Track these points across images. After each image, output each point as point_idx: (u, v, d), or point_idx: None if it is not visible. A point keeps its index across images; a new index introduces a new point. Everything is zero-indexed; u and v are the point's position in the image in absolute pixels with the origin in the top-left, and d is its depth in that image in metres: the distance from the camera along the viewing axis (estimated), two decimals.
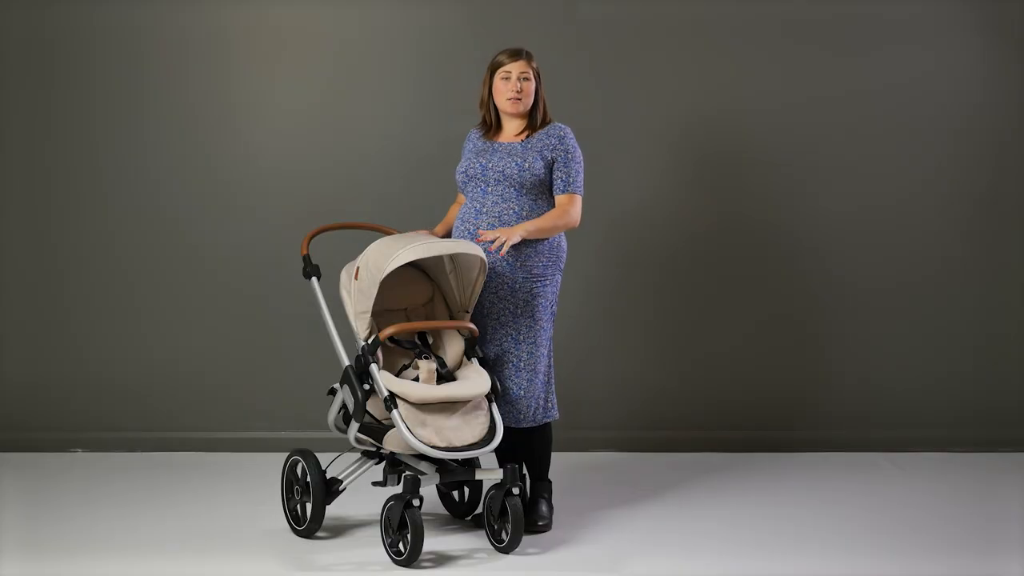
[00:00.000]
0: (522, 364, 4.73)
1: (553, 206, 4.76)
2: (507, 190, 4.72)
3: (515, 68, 4.75)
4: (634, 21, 5.95)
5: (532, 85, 4.77)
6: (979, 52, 5.98)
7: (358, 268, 4.60)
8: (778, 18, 5.96)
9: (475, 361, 4.69)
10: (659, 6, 5.95)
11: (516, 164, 4.72)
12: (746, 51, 5.97)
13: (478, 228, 4.72)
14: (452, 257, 4.71)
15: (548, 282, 4.75)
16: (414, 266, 4.82)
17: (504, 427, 4.66)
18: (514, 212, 4.71)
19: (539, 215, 4.72)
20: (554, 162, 4.73)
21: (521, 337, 4.73)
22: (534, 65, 4.78)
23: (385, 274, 4.49)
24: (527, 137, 4.78)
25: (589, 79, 5.96)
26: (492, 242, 4.58)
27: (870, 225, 6.03)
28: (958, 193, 6.03)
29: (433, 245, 4.54)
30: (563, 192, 4.74)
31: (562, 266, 4.82)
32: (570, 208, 4.72)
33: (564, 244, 4.81)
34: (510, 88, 4.75)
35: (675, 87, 5.98)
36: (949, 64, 5.98)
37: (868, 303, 6.05)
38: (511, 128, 4.82)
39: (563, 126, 4.79)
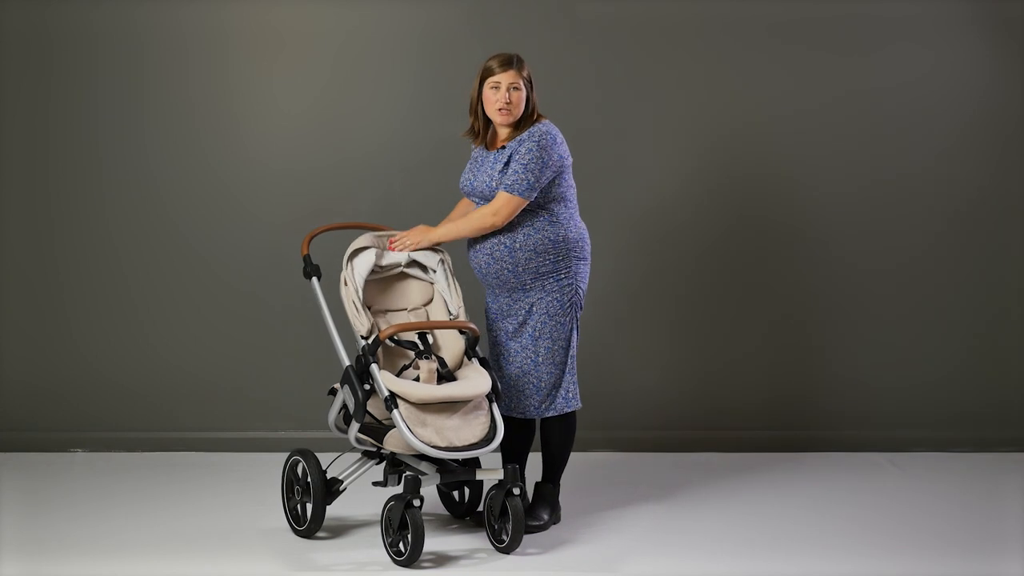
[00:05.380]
0: (540, 359, 4.73)
1: (546, 211, 4.69)
2: (488, 200, 4.72)
3: (505, 79, 4.65)
4: (649, 21, 5.92)
5: (522, 95, 4.67)
6: (982, 51, 5.97)
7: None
8: (798, 19, 5.94)
9: (475, 361, 4.69)
10: (663, 6, 5.94)
11: (486, 183, 4.69)
12: (749, 53, 5.97)
13: (473, 239, 4.78)
14: (441, 259, 4.85)
15: (562, 277, 4.72)
16: (415, 267, 4.85)
17: (530, 419, 4.78)
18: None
19: (530, 220, 4.66)
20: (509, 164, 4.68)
21: (538, 334, 4.73)
22: (525, 73, 4.68)
23: (348, 260, 4.69)
24: (503, 147, 4.70)
25: (595, 79, 5.95)
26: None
27: (871, 225, 6.03)
28: (958, 194, 6.03)
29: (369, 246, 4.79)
30: (500, 188, 4.65)
31: (584, 255, 4.75)
32: (496, 205, 4.63)
33: (576, 235, 4.72)
34: (499, 99, 4.66)
35: (688, 93, 5.96)
36: (956, 63, 5.98)
37: (868, 304, 6.05)
38: (503, 134, 4.76)
39: (537, 128, 4.67)
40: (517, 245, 4.68)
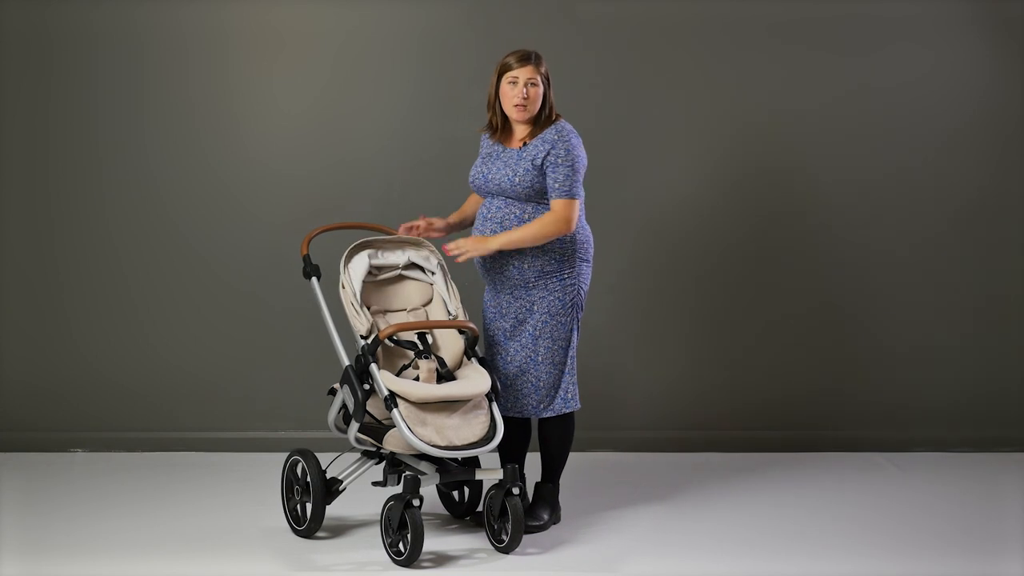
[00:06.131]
0: (539, 358, 4.73)
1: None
2: (508, 198, 4.71)
3: (522, 74, 4.66)
4: (649, 21, 5.91)
5: (540, 90, 4.67)
6: (982, 51, 5.97)
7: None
8: (798, 19, 5.94)
9: (475, 360, 4.69)
10: (663, 6, 5.93)
11: (508, 178, 4.69)
12: (748, 53, 5.97)
13: (481, 235, 4.74)
14: (440, 262, 4.87)
15: (565, 276, 4.73)
16: (413, 269, 4.87)
17: (525, 420, 4.78)
18: (515, 216, 4.70)
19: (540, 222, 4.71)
20: (545, 166, 4.67)
21: (538, 333, 4.73)
22: (543, 70, 4.68)
23: (344, 264, 4.69)
24: (525, 144, 4.72)
25: (596, 79, 5.94)
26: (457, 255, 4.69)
27: (870, 226, 6.02)
28: (959, 194, 6.03)
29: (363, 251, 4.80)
30: (556, 197, 4.66)
31: (587, 257, 4.78)
32: (562, 213, 4.65)
33: (582, 236, 4.75)
34: (516, 94, 4.67)
35: (688, 93, 5.96)
36: (956, 63, 5.98)
37: (867, 303, 6.05)
38: (519, 131, 4.76)
39: (562, 126, 4.71)
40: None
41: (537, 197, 4.69)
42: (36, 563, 4.44)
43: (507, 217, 4.70)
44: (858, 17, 5.95)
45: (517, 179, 4.67)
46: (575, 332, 4.79)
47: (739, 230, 6.02)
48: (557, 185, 4.65)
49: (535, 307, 4.73)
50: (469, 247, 4.67)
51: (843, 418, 6.06)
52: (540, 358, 4.74)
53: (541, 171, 4.67)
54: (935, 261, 6.04)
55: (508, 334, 4.77)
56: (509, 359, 4.76)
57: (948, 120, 6.00)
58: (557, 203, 4.66)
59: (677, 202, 6.01)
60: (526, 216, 4.69)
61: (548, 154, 4.66)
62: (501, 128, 4.78)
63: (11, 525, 4.87)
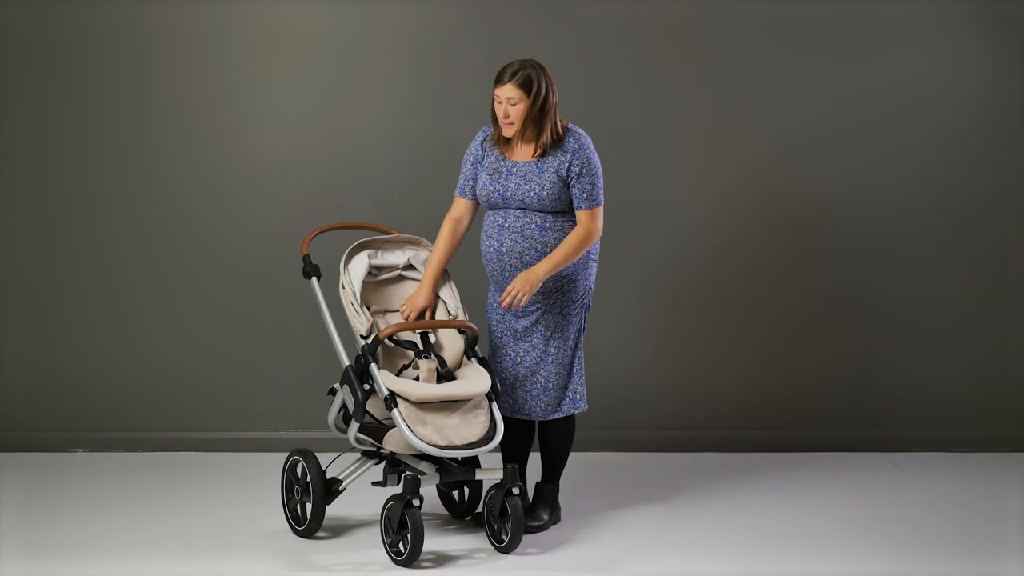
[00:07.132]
0: (549, 359, 4.74)
1: (574, 216, 4.72)
2: (528, 209, 4.70)
3: (502, 93, 4.63)
4: (650, 21, 5.91)
5: (521, 108, 4.62)
6: (982, 51, 5.97)
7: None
8: (797, 19, 5.93)
9: (475, 360, 4.69)
10: (664, 6, 5.93)
11: (534, 192, 4.66)
12: (744, 53, 5.97)
13: (501, 245, 4.70)
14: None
15: (578, 277, 4.74)
16: (413, 270, 4.87)
17: (529, 420, 4.78)
18: (536, 225, 4.69)
19: (560, 224, 4.68)
20: (569, 178, 4.67)
21: (550, 333, 4.73)
22: (528, 86, 4.60)
23: (344, 264, 4.70)
24: (541, 156, 4.69)
25: (594, 80, 5.94)
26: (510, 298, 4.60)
27: (869, 227, 6.02)
28: (957, 193, 6.03)
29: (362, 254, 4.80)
30: (583, 208, 4.67)
31: (596, 256, 4.80)
32: (591, 224, 4.66)
33: None
34: (500, 111, 4.66)
35: (686, 94, 5.96)
36: (956, 63, 5.98)
37: (866, 305, 6.05)
38: (527, 144, 4.71)
39: (578, 134, 4.69)
40: (548, 250, 4.68)
41: (561, 207, 4.69)
42: (36, 563, 4.44)
43: (527, 226, 4.69)
44: (858, 17, 5.95)
45: (545, 192, 4.65)
46: (582, 332, 4.80)
47: (740, 232, 6.01)
48: (585, 195, 4.66)
49: (549, 308, 4.73)
50: (521, 288, 4.59)
51: (843, 418, 6.06)
52: (550, 359, 4.74)
53: (565, 182, 4.67)
54: (934, 261, 6.04)
55: (519, 335, 4.76)
56: (519, 360, 4.76)
57: (948, 120, 6.00)
58: (585, 214, 4.67)
59: (677, 204, 6.00)
60: (547, 224, 4.68)
61: (571, 165, 4.65)
62: (504, 139, 4.74)
63: (11, 525, 4.87)
